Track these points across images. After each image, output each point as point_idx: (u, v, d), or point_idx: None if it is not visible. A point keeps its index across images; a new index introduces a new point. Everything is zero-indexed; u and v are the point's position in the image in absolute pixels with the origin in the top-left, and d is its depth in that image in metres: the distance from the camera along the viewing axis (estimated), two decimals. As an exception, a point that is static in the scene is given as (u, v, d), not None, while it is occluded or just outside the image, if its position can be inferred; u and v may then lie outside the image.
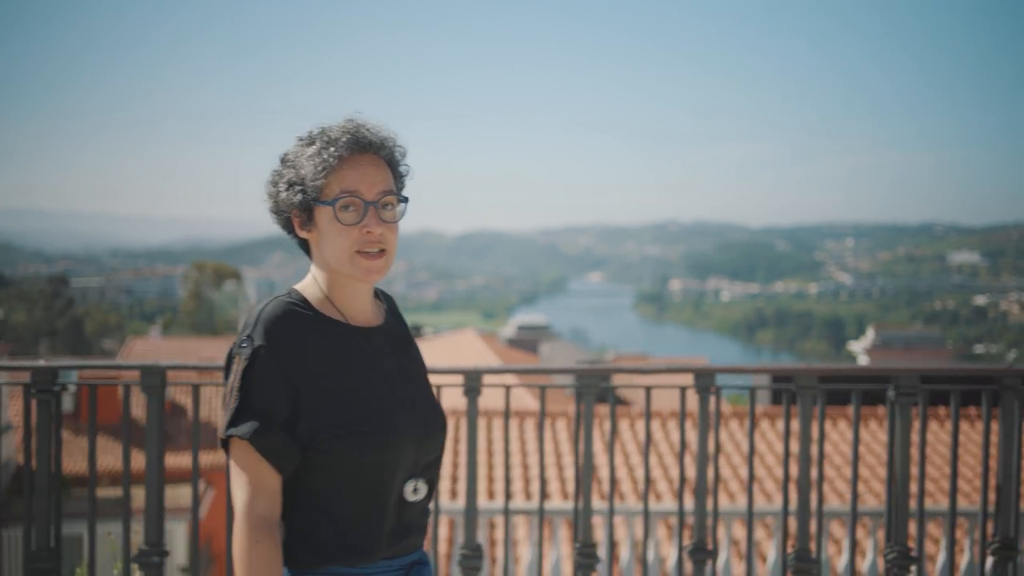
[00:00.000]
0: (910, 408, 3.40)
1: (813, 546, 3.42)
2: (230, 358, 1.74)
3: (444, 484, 8.35)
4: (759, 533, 7.59)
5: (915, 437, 3.51)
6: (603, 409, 10.40)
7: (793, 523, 3.98)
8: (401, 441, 1.76)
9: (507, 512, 3.63)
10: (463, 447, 8.72)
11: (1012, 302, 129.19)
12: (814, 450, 3.46)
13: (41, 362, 3.18)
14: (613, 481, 3.55)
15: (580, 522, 3.45)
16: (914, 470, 9.27)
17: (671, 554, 5.85)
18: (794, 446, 9.01)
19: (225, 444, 1.73)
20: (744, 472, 8.92)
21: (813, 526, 3.44)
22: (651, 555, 5.91)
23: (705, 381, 3.35)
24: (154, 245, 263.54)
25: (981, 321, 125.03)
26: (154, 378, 3.17)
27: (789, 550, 3.47)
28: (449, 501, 7.90)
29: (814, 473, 3.54)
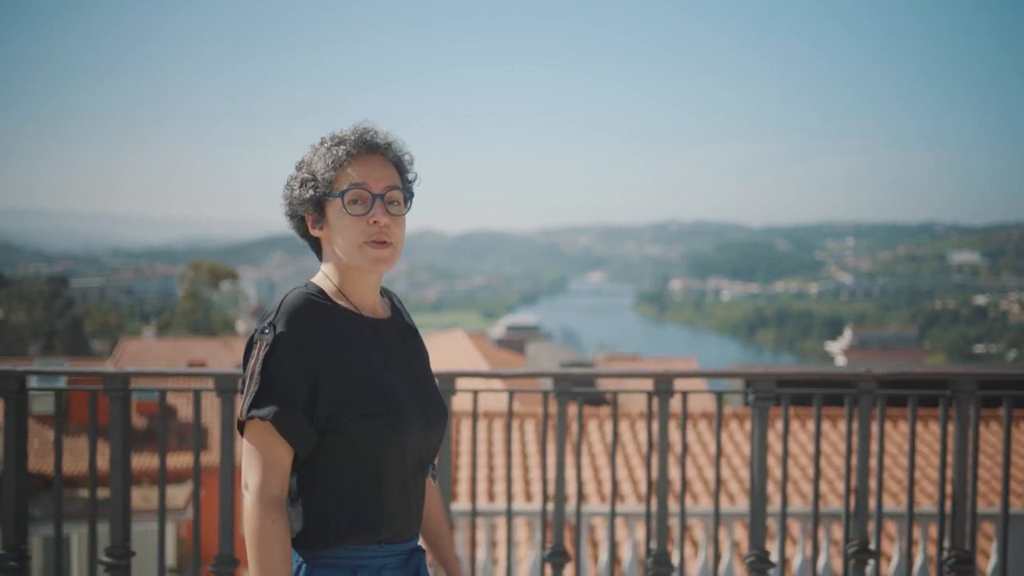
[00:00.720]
0: (870, 410, 3.44)
1: (770, 546, 3.45)
2: (250, 344, 1.82)
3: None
4: (722, 534, 7.62)
5: (897, 437, 3.54)
6: (588, 411, 10.42)
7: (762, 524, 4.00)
8: (408, 428, 1.86)
9: (473, 514, 3.66)
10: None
11: (1012, 302, 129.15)
12: (785, 451, 3.50)
13: (7, 367, 3.22)
14: (580, 482, 3.59)
15: (553, 524, 3.49)
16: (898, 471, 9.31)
17: (629, 555, 5.89)
18: (776, 447, 9.05)
19: (240, 426, 1.81)
20: (711, 474, 8.93)
21: (773, 527, 3.48)
22: (626, 556, 5.95)
23: (664, 386, 3.39)
24: (154, 245, 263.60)
25: (981, 321, 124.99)
26: (117, 383, 3.20)
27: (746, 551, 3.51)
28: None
29: (778, 475, 3.58)
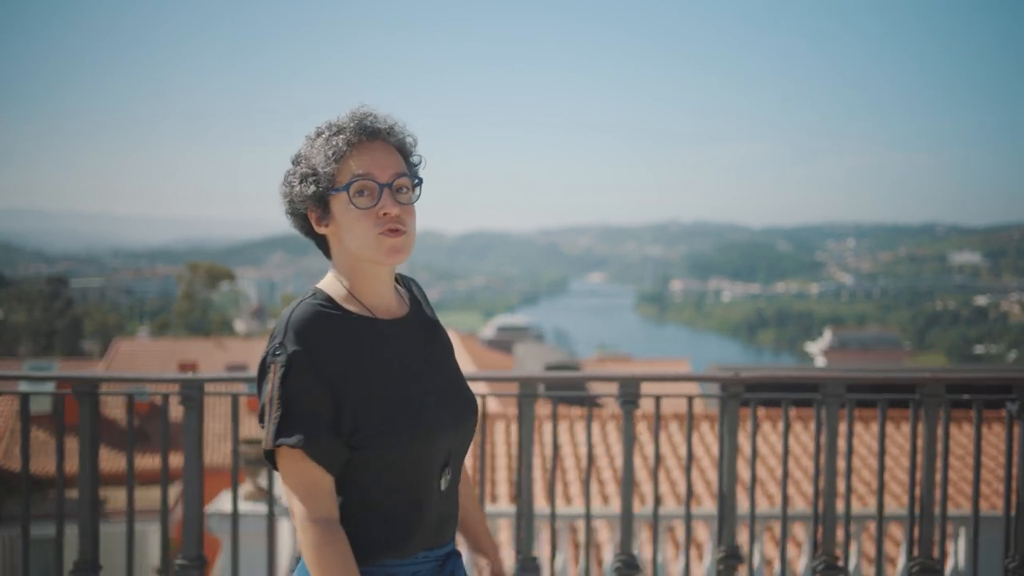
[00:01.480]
0: (837, 411, 3.44)
1: (745, 548, 3.45)
2: (264, 368, 1.73)
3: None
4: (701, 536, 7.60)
5: (890, 440, 3.54)
6: (573, 412, 10.43)
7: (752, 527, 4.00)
8: (436, 434, 1.78)
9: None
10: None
11: (1013, 302, 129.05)
12: (752, 452, 3.50)
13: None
14: (553, 483, 3.59)
15: (524, 526, 3.49)
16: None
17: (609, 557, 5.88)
18: (751, 449, 9.03)
19: (270, 454, 1.73)
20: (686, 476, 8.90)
21: (745, 530, 3.48)
22: (607, 558, 5.96)
23: (629, 389, 3.39)
24: (154, 245, 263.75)
25: (982, 321, 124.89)
26: (86, 388, 3.20)
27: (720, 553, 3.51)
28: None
29: (745, 477, 3.58)
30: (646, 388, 3.49)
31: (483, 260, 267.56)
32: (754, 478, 3.58)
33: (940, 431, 3.56)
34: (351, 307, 1.80)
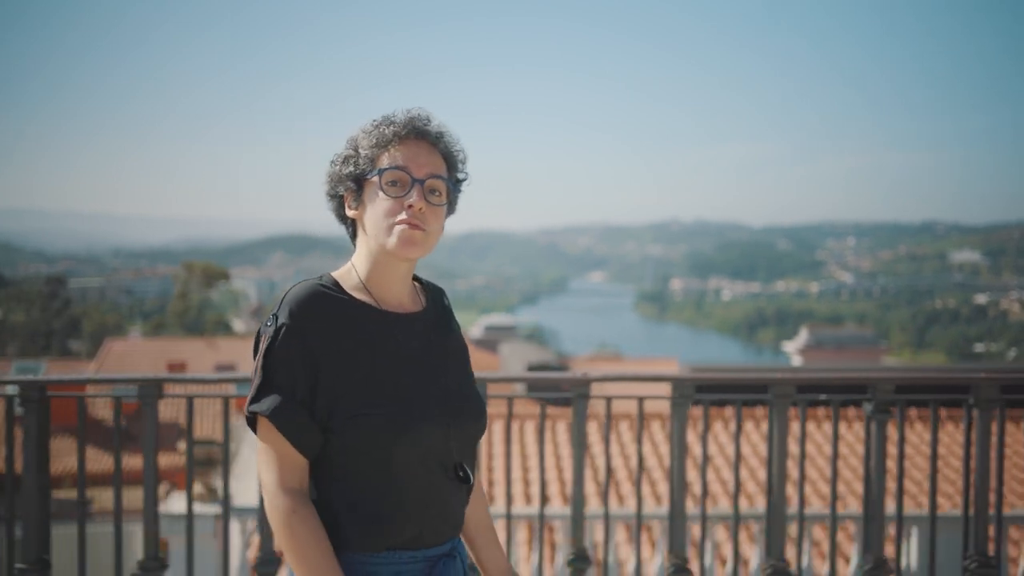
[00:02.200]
0: (787, 412, 3.44)
1: (694, 553, 3.45)
2: (257, 338, 1.75)
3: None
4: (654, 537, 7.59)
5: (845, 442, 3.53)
6: (562, 412, 10.43)
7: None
8: (422, 428, 1.74)
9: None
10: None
11: (1013, 301, 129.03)
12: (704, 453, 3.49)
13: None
14: (509, 481, 3.60)
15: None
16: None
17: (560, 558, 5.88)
18: (704, 449, 9.02)
19: (252, 423, 1.74)
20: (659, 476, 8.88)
21: (696, 531, 3.47)
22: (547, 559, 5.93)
23: (580, 390, 3.38)
24: (154, 245, 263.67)
25: (982, 320, 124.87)
26: (34, 392, 3.21)
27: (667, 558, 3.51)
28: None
29: (690, 477, 3.58)
30: (626, 388, 3.50)
31: (483, 260, 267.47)
32: (705, 480, 3.58)
33: (895, 432, 3.57)
34: (358, 294, 1.80)
